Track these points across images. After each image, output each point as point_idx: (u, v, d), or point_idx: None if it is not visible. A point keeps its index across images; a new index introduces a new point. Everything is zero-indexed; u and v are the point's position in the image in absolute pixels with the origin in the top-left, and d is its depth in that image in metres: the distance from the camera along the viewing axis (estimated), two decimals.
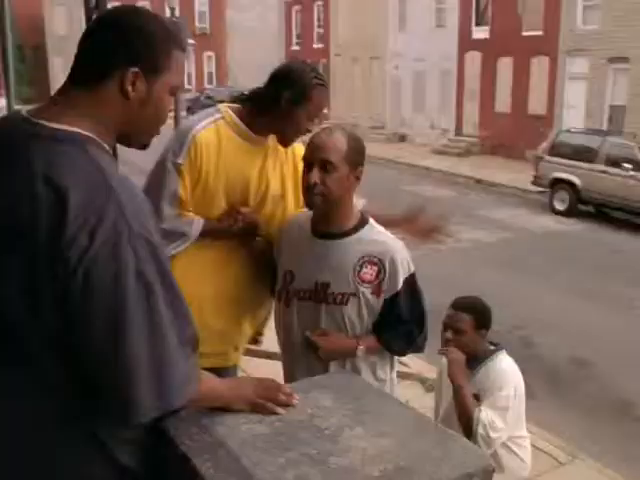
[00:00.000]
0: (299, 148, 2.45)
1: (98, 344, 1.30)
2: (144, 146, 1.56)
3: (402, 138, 26.05)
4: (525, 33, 20.56)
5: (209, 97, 31.63)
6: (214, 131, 2.33)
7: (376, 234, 2.27)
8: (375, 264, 2.20)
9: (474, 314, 2.96)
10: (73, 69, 1.46)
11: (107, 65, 1.41)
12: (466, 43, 22.99)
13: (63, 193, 1.28)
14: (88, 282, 1.27)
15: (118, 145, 1.56)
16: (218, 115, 2.37)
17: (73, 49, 1.50)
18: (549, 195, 14.27)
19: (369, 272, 2.20)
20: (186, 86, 36.70)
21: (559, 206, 13.94)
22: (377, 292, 2.22)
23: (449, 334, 2.94)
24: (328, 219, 2.23)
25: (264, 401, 1.62)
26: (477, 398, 2.82)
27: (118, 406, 1.34)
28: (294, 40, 34.14)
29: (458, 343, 2.91)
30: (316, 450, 1.46)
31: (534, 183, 14.74)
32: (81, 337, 1.30)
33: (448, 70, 23.81)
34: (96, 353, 1.31)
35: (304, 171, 2.18)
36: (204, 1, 40.55)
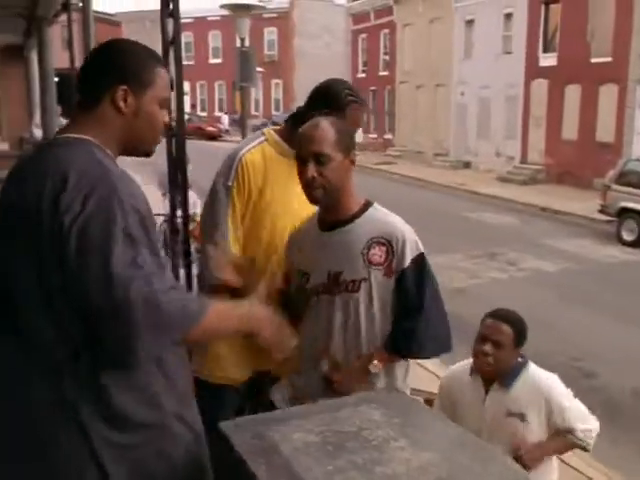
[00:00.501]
0: None
1: (94, 296, 1.44)
2: (147, 154, 1.78)
3: (466, 165, 25.93)
4: (594, 60, 20.28)
5: (275, 123, 32.33)
6: (259, 152, 2.47)
7: (382, 215, 2.25)
8: (383, 244, 2.17)
9: (515, 328, 2.70)
10: (78, 92, 1.69)
11: (101, 86, 1.64)
12: (533, 70, 22.81)
13: (64, 176, 1.49)
14: (81, 240, 1.45)
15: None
16: (262, 138, 2.52)
17: None
18: (616, 225, 13.93)
19: (377, 253, 2.17)
20: (253, 112, 37.56)
21: (627, 236, 13.60)
22: (388, 273, 2.18)
23: (488, 347, 2.66)
24: (333, 209, 2.22)
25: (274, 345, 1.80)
26: (522, 418, 2.68)
27: (119, 350, 1.48)
28: (360, 67, 34.56)
29: (496, 357, 2.67)
30: (362, 459, 1.55)
31: (601, 212, 14.43)
32: (78, 292, 1.46)
33: (514, 97, 23.65)
34: (92, 304, 1.45)
35: (299, 168, 2.18)
36: (273, 30, 41.52)
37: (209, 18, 41.35)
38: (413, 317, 2.18)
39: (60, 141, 1.63)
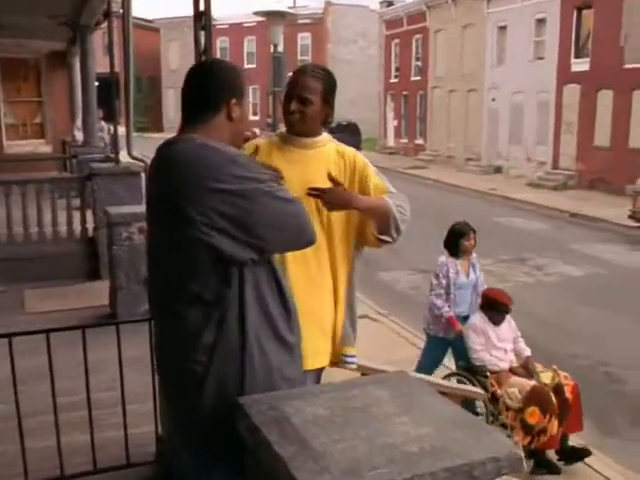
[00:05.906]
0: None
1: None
2: (239, 148, 2.21)
3: (497, 170, 25.86)
4: (627, 65, 20.11)
5: None
6: (267, 140, 2.73)
7: None
8: None
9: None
10: (189, 107, 2.10)
11: (218, 101, 2.08)
12: (565, 75, 22.68)
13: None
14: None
15: None
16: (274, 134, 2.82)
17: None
18: None
19: None
20: None
21: None
22: None
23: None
24: None
25: None
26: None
27: None
28: (393, 72, 34.65)
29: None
30: (366, 431, 1.74)
31: (631, 218, 14.40)
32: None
33: (546, 102, 23.53)
34: None
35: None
36: (307, 35, 41.81)
37: (245, 24, 41.82)
38: None
39: (176, 138, 2.07)
